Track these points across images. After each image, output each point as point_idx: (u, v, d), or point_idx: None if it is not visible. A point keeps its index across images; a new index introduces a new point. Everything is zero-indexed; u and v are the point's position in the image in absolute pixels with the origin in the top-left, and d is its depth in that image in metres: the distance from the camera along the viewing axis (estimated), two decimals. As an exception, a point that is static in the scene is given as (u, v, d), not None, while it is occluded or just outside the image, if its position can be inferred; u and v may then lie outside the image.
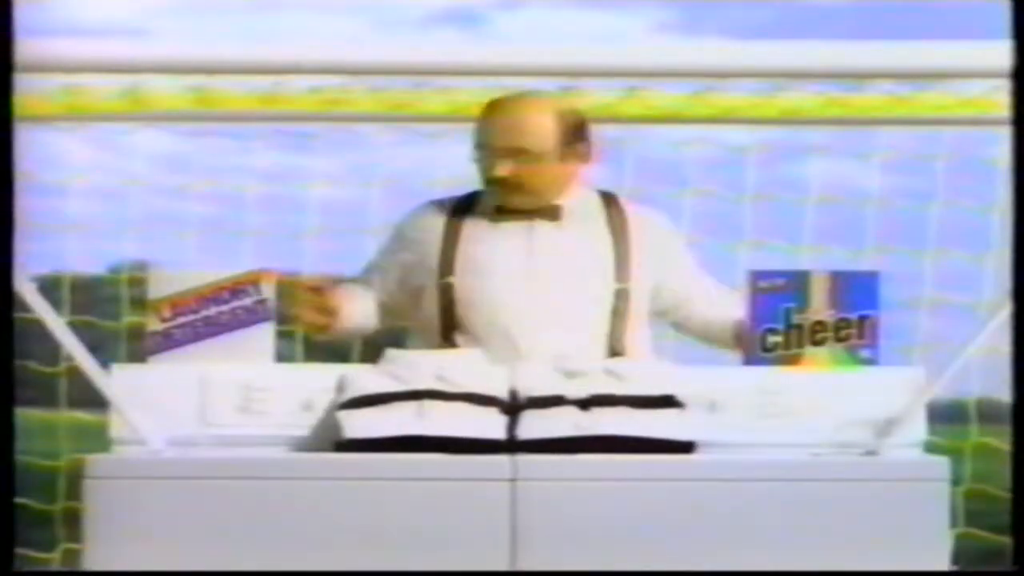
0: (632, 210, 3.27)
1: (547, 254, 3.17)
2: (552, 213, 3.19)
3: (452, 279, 3.16)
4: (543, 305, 3.13)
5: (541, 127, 3.16)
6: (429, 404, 2.75)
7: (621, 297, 3.17)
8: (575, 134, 3.19)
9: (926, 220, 4.82)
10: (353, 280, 3.32)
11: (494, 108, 3.20)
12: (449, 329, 3.15)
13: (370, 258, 3.35)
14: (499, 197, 3.18)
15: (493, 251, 3.18)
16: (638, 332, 3.20)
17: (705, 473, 2.67)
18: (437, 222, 3.24)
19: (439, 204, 3.28)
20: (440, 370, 2.80)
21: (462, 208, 3.25)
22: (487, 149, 3.15)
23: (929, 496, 2.64)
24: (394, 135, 4.85)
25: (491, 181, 3.16)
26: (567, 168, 3.20)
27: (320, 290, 3.13)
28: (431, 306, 3.19)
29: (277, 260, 5.18)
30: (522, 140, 3.14)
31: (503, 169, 3.14)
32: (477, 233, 3.21)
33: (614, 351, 3.13)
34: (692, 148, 4.89)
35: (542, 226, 3.20)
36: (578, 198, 3.23)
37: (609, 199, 3.27)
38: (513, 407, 2.78)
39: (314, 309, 3.12)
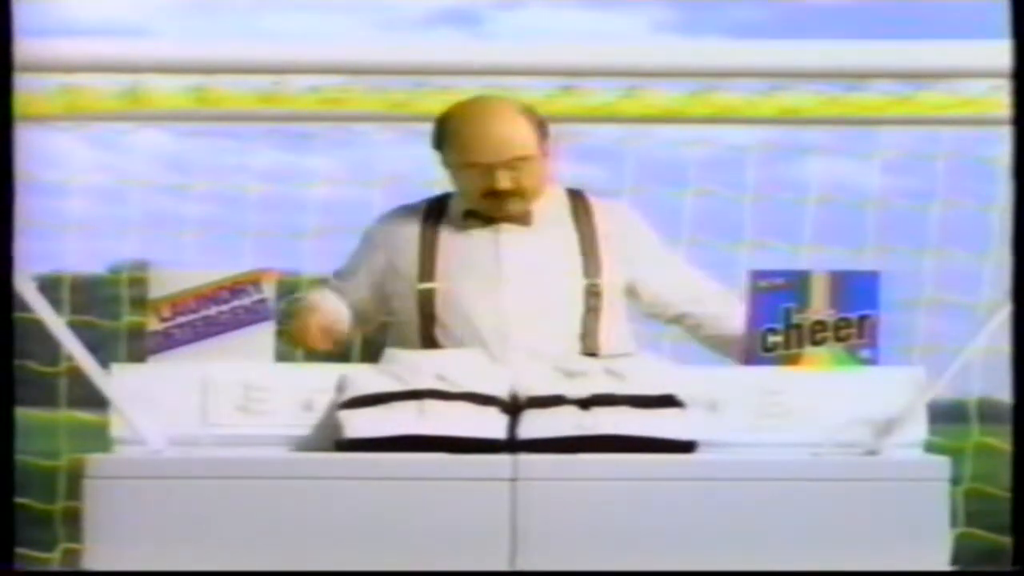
0: (597, 203, 3.26)
1: (518, 256, 3.17)
2: (524, 219, 3.19)
3: (431, 285, 3.16)
4: (517, 308, 3.13)
5: (525, 130, 3.15)
6: (429, 404, 2.75)
7: (592, 293, 3.16)
8: (542, 129, 3.20)
9: (926, 220, 4.82)
10: (326, 286, 3.31)
11: (471, 122, 3.16)
12: (428, 335, 3.15)
13: (343, 264, 3.33)
14: (496, 207, 3.16)
15: (467, 256, 3.17)
16: (615, 327, 3.20)
17: (705, 473, 2.66)
18: (411, 227, 3.22)
19: (410, 209, 3.27)
20: (440, 370, 2.80)
21: (433, 212, 3.24)
22: (480, 166, 3.13)
23: (929, 496, 2.64)
24: (394, 135, 4.85)
25: (491, 194, 3.15)
26: (547, 164, 3.20)
27: (328, 329, 3.17)
28: (408, 312, 3.18)
29: (277, 260, 5.18)
30: (518, 149, 3.13)
31: (505, 181, 3.13)
32: (450, 238, 3.20)
33: (589, 348, 3.12)
34: (692, 148, 4.90)
35: (511, 229, 3.19)
36: (546, 199, 3.22)
37: (575, 195, 3.27)
38: (513, 407, 2.78)
39: (319, 336, 3.15)
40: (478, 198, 3.16)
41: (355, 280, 3.27)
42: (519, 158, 3.13)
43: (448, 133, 3.19)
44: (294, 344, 3.21)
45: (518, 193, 3.15)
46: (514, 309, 3.13)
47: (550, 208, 3.22)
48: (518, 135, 3.14)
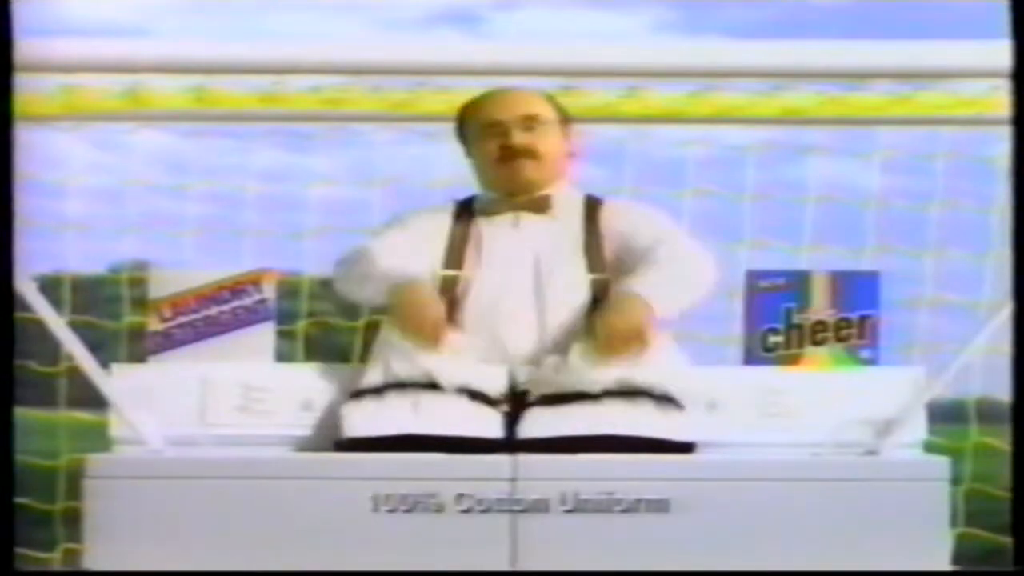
0: (610, 202, 3.28)
1: (533, 247, 3.17)
2: (541, 204, 3.20)
3: (453, 272, 3.16)
4: (530, 297, 3.13)
5: (542, 99, 3.27)
6: (428, 403, 2.75)
7: (598, 288, 3.16)
8: (565, 118, 3.27)
9: (926, 220, 4.81)
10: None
11: (492, 93, 3.27)
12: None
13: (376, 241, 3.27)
14: (510, 171, 3.18)
15: (488, 244, 3.19)
16: None
17: (705, 473, 2.67)
18: (439, 218, 3.25)
19: (440, 205, 3.30)
20: (440, 369, 2.81)
21: (460, 208, 3.27)
22: (495, 126, 3.19)
23: (929, 496, 2.65)
24: (394, 135, 4.84)
25: (507, 151, 3.18)
26: (566, 147, 3.25)
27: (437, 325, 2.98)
28: None
29: (277, 260, 5.17)
30: (534, 107, 3.22)
31: (518, 137, 3.18)
32: (474, 229, 3.21)
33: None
34: (692, 148, 4.89)
35: (530, 218, 3.21)
36: (565, 192, 3.25)
37: (591, 199, 3.28)
38: (513, 406, 2.78)
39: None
40: (494, 163, 3.18)
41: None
42: (532, 116, 3.20)
43: (467, 111, 3.28)
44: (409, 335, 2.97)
45: (532, 154, 3.17)
46: (527, 298, 3.13)
47: (565, 201, 3.24)
48: (531, 97, 3.26)
